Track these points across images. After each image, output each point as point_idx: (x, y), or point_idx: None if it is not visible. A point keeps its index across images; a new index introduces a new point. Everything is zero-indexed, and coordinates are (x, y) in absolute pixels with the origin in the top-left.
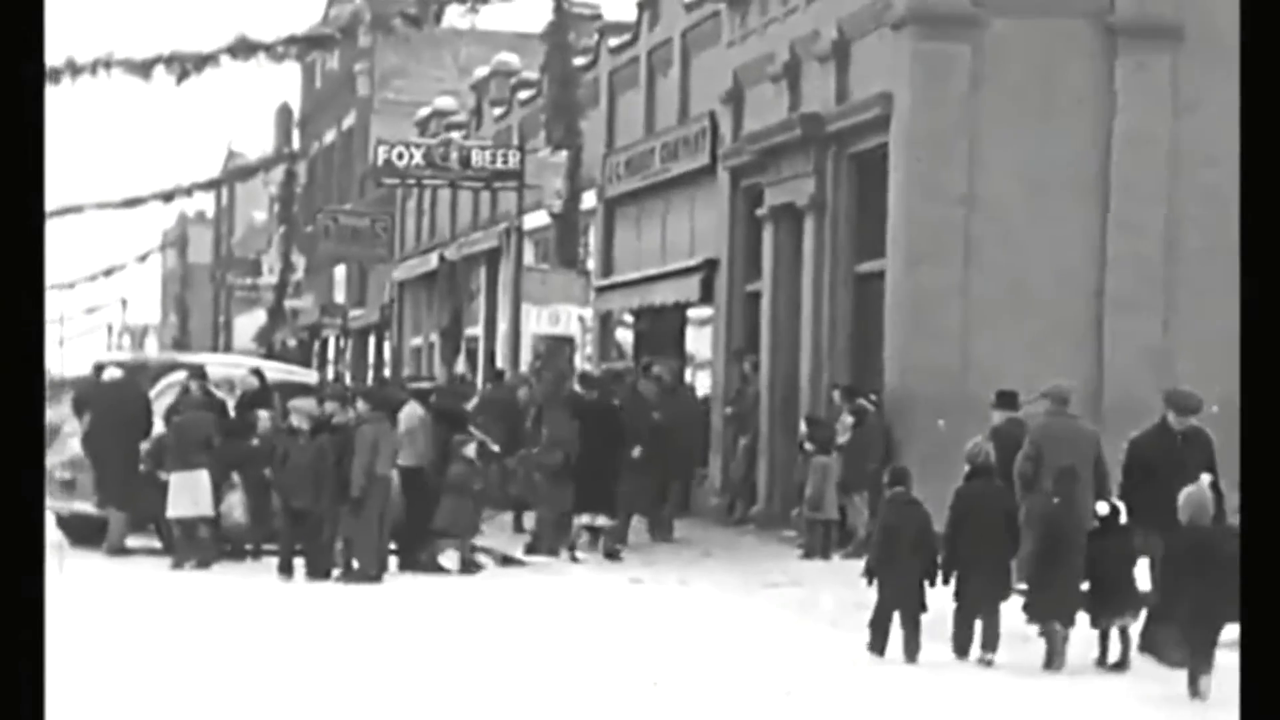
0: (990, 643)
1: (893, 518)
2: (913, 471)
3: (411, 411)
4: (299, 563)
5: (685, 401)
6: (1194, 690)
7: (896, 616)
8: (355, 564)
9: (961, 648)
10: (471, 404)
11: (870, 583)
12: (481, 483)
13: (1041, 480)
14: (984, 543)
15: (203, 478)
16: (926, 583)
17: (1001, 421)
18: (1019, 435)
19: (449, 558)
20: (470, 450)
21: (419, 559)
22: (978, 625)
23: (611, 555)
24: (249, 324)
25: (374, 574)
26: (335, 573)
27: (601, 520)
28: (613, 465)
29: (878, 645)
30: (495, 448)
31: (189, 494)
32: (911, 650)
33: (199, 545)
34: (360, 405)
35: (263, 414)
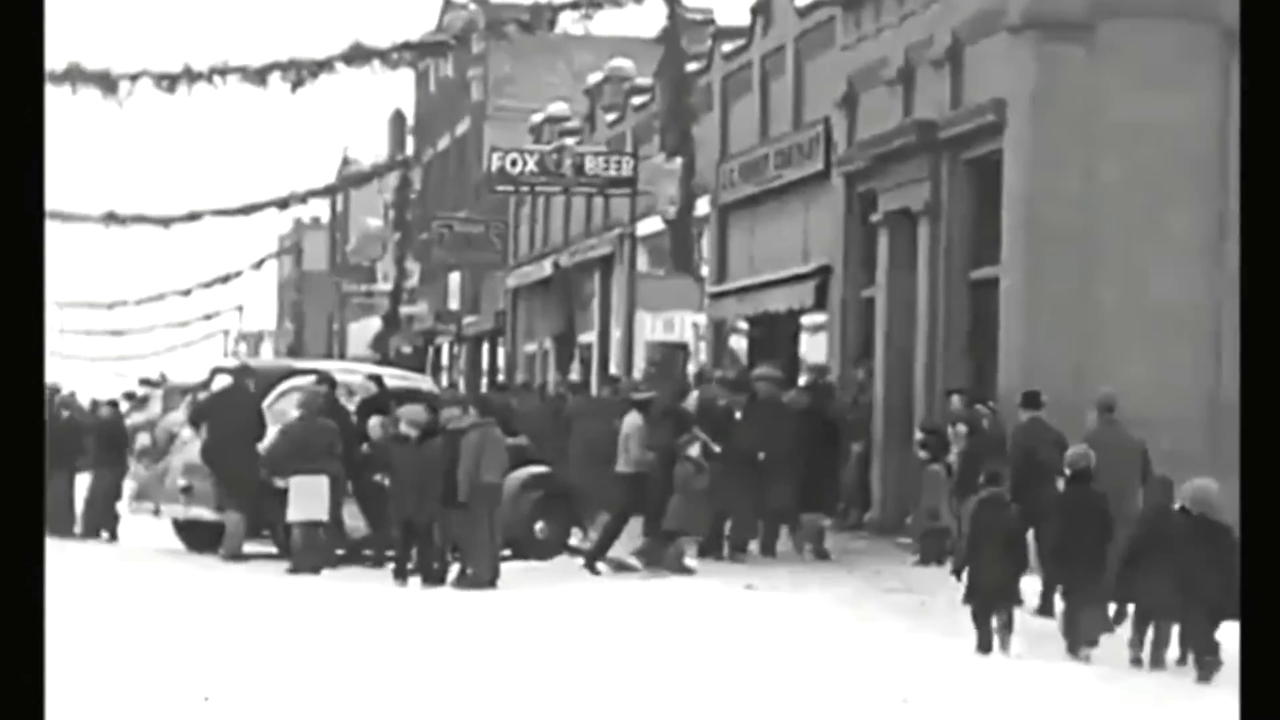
0: (1090, 639)
1: (985, 517)
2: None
3: (631, 420)
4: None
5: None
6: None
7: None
8: (468, 570)
9: (1072, 645)
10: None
11: (959, 579)
12: (706, 481)
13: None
14: (1085, 545)
15: (322, 483)
16: (1019, 581)
17: (1026, 420)
18: (1043, 435)
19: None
20: (695, 450)
21: (662, 561)
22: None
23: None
24: (363, 330)
25: (487, 579)
26: (450, 578)
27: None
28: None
29: (984, 644)
30: (717, 448)
31: (309, 498)
32: (1005, 644)
33: (316, 550)
34: (471, 412)
35: (373, 421)
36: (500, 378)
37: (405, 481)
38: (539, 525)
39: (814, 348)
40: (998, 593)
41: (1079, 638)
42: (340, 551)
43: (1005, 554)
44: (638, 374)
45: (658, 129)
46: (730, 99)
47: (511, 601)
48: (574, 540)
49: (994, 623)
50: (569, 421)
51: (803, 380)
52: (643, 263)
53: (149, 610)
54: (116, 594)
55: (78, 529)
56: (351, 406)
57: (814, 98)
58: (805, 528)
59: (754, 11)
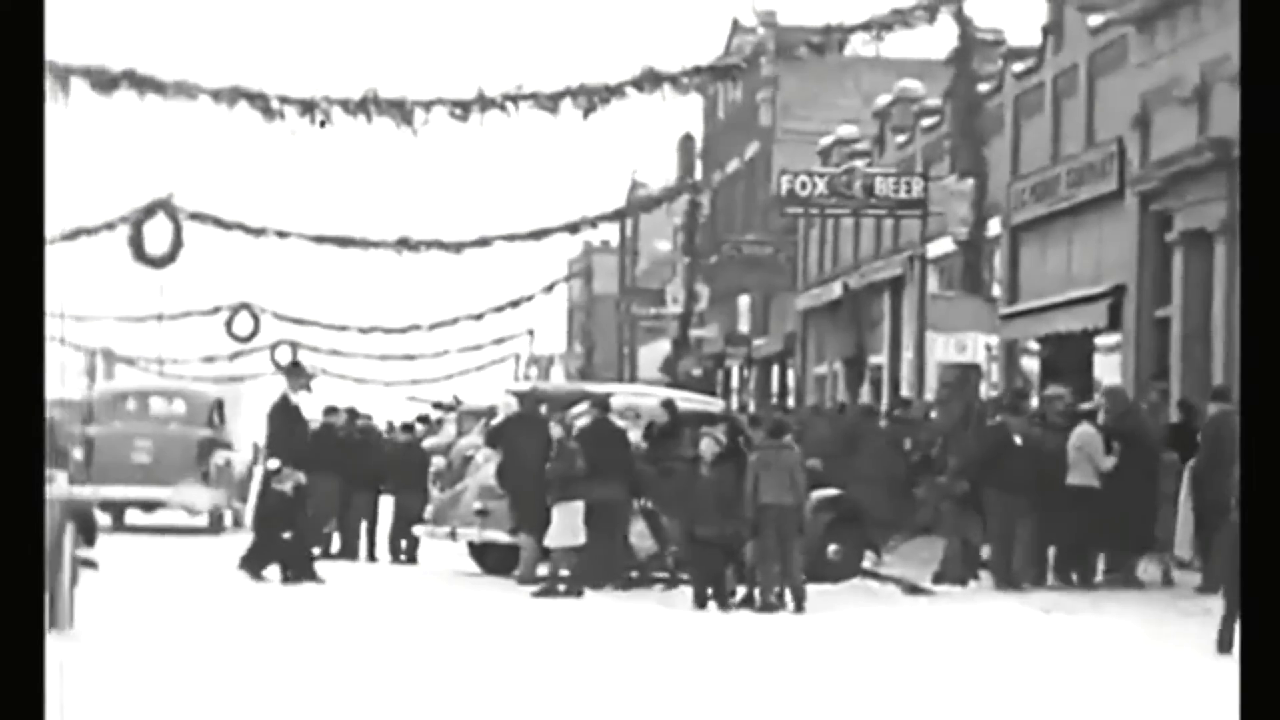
0: None
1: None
2: None
3: (1084, 431)
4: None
5: None
6: None
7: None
8: (770, 594)
9: None
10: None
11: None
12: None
13: None
14: None
15: (578, 508)
16: None
17: (1217, 412)
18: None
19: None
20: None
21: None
22: None
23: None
24: (653, 354)
25: (795, 605)
26: (734, 599)
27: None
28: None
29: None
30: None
31: (567, 524)
32: None
33: (579, 572)
34: (759, 434)
35: (705, 442)
36: (790, 400)
37: (702, 502)
38: (831, 548)
39: (1108, 369)
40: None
41: None
42: (633, 574)
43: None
44: (929, 395)
45: (948, 150)
46: (1021, 119)
47: (816, 625)
48: (866, 563)
49: None
50: (859, 443)
51: (1100, 401)
52: (933, 284)
53: (448, 634)
54: (422, 617)
55: (378, 553)
56: (635, 429)
57: (1106, 117)
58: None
59: (1045, 31)
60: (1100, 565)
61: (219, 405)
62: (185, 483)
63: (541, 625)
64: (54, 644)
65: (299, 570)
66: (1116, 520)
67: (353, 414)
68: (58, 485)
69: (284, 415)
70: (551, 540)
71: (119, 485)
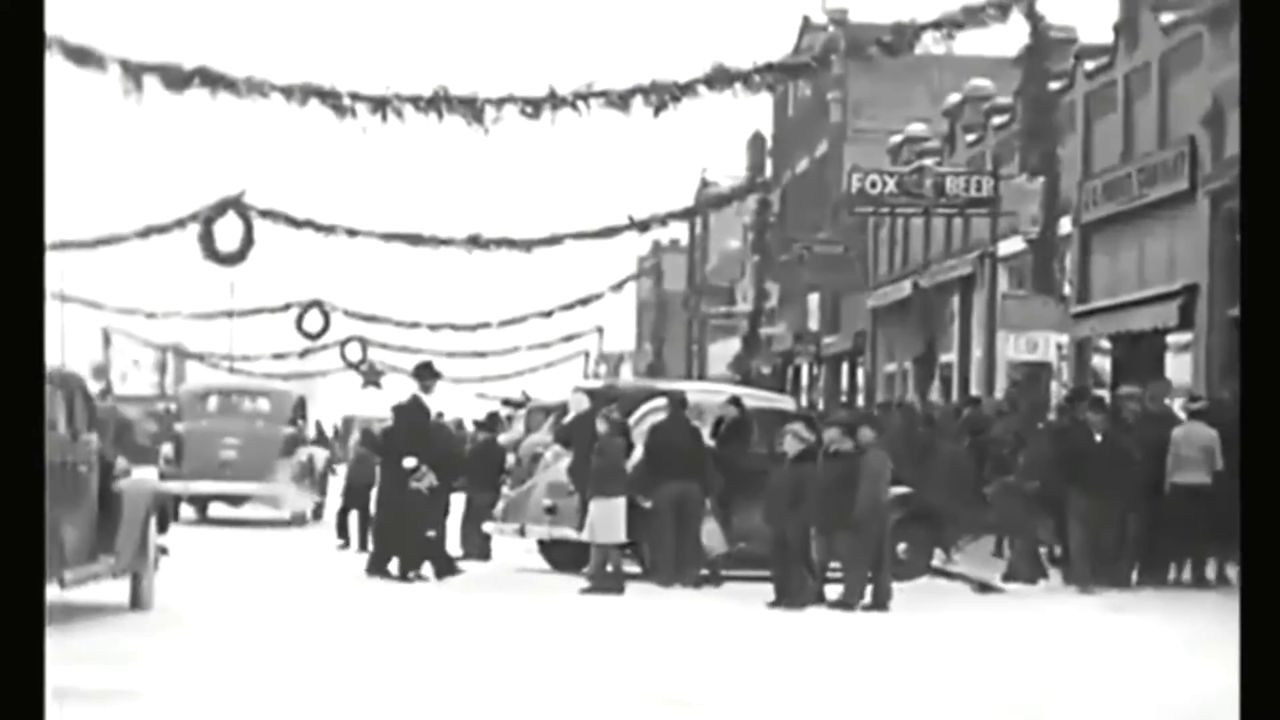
0: None
1: None
2: None
3: (1199, 429)
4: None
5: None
6: None
7: None
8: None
9: None
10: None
11: None
12: None
13: None
14: None
15: (620, 505)
16: None
17: None
18: None
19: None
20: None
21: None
22: None
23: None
24: (723, 351)
25: (882, 602)
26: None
27: None
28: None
29: None
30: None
31: (608, 520)
32: None
33: (612, 572)
34: (864, 432)
35: (832, 432)
36: (859, 399)
37: (778, 500)
38: (901, 546)
39: (1179, 368)
40: None
41: None
42: (704, 571)
43: None
44: (999, 394)
45: (1018, 148)
46: (1093, 117)
47: (901, 625)
48: (935, 561)
49: None
50: (930, 442)
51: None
52: (1003, 283)
53: (517, 631)
54: (495, 612)
55: (458, 550)
56: (705, 426)
57: (1178, 115)
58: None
59: (1117, 30)
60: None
61: (301, 403)
62: (272, 478)
63: (616, 623)
64: (134, 620)
65: (443, 566)
66: (1229, 519)
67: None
68: (139, 476)
69: (416, 415)
70: (592, 536)
71: (208, 480)
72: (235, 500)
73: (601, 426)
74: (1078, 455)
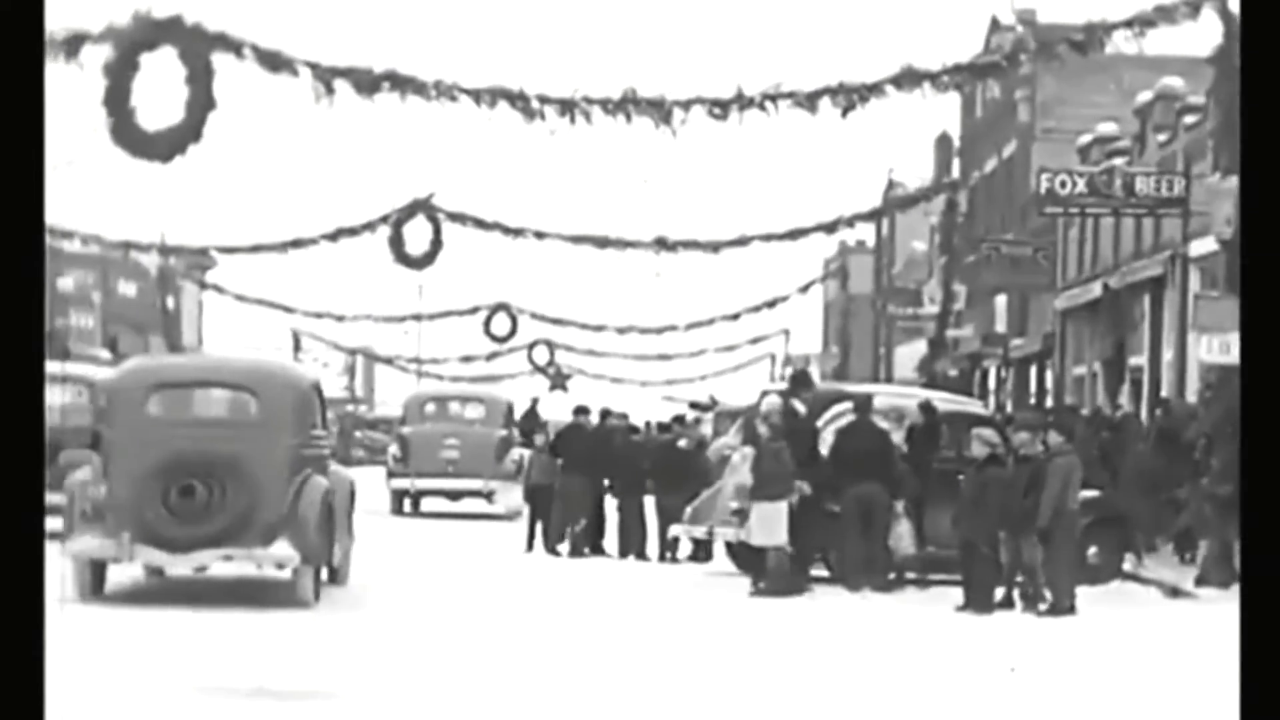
0: None
1: None
2: None
3: None
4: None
5: None
6: None
7: None
8: (1048, 596)
9: None
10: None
11: None
12: None
13: None
14: None
15: (781, 509)
16: None
17: None
18: None
19: None
20: None
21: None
22: None
23: None
24: (909, 354)
25: (1067, 606)
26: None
27: None
28: None
29: None
30: None
31: (769, 524)
32: None
33: (776, 573)
34: (1053, 436)
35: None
36: (1048, 401)
37: (966, 504)
38: (1090, 550)
39: None
40: None
41: None
42: (891, 575)
43: None
44: (1190, 397)
45: (1211, 148)
46: None
47: (1090, 629)
48: (1125, 565)
49: None
50: (1120, 446)
51: None
52: (1195, 284)
53: (702, 632)
54: (677, 614)
55: (650, 550)
56: (898, 430)
57: None
58: None
59: None
60: None
61: (510, 408)
62: (490, 476)
63: (803, 626)
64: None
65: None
66: None
67: (605, 414)
68: (335, 468)
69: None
70: (752, 539)
71: (432, 478)
72: (454, 496)
73: (763, 430)
74: None
